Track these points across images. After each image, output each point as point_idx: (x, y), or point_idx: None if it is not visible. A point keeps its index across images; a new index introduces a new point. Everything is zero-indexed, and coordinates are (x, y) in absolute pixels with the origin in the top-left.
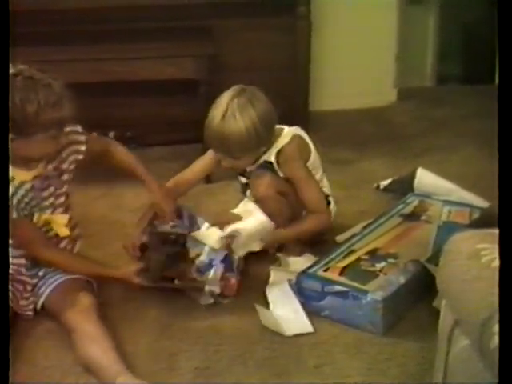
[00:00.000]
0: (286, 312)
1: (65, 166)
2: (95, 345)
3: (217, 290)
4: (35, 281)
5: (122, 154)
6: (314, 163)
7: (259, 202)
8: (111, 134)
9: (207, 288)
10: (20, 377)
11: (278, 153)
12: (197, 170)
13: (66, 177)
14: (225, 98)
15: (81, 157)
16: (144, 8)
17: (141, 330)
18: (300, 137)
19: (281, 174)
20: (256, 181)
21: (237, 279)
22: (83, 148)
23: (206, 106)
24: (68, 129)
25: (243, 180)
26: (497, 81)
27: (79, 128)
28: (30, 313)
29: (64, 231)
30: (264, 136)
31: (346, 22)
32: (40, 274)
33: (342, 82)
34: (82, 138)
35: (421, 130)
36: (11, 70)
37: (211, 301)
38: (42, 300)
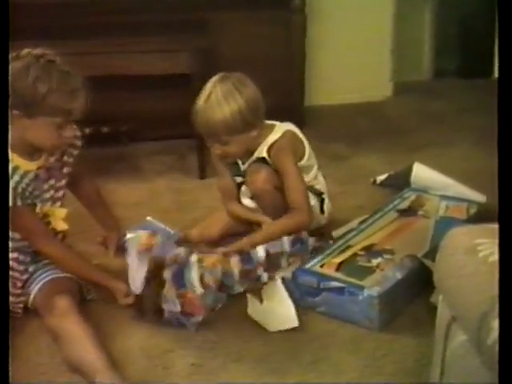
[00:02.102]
0: (274, 307)
1: (65, 158)
2: (75, 346)
3: (176, 308)
4: (25, 277)
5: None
6: (308, 160)
7: (256, 196)
8: (105, 129)
9: (165, 307)
10: (13, 373)
11: (270, 147)
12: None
13: (65, 170)
14: (208, 84)
15: (76, 152)
16: (137, 1)
17: (135, 327)
18: (293, 133)
19: (274, 168)
20: (253, 175)
21: (197, 293)
22: (79, 143)
23: None
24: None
25: (238, 180)
26: (493, 74)
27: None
28: (19, 311)
29: (61, 225)
30: (250, 120)
31: (342, 15)
32: (30, 269)
33: (338, 77)
34: (78, 133)
35: (417, 124)
36: (35, 51)
37: (192, 323)
38: (31, 298)
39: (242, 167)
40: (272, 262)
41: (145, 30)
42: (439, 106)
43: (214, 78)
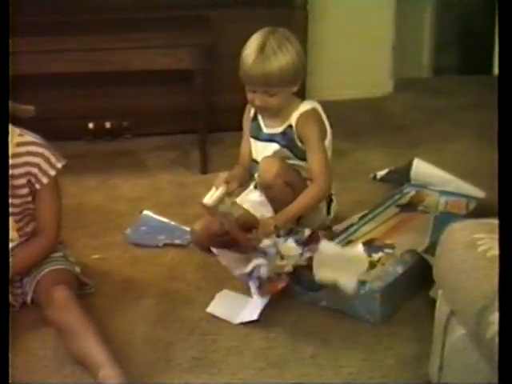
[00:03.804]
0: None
1: (15, 182)
2: (76, 339)
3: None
4: (17, 277)
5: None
6: (327, 149)
7: (265, 188)
8: (107, 124)
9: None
10: (17, 366)
11: (299, 117)
12: (245, 156)
13: (19, 192)
14: (259, 36)
15: (38, 186)
16: None
17: (137, 320)
18: (319, 112)
19: (297, 142)
20: (265, 166)
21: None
22: (45, 181)
23: (202, 96)
24: (41, 150)
25: (258, 145)
26: (493, 71)
27: (59, 163)
28: (15, 304)
29: (12, 234)
30: (299, 72)
31: (343, 12)
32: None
33: (339, 73)
34: (53, 172)
35: (417, 120)
36: None
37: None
38: (30, 295)
39: (265, 130)
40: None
41: (147, 26)
42: (439, 102)
43: (263, 31)
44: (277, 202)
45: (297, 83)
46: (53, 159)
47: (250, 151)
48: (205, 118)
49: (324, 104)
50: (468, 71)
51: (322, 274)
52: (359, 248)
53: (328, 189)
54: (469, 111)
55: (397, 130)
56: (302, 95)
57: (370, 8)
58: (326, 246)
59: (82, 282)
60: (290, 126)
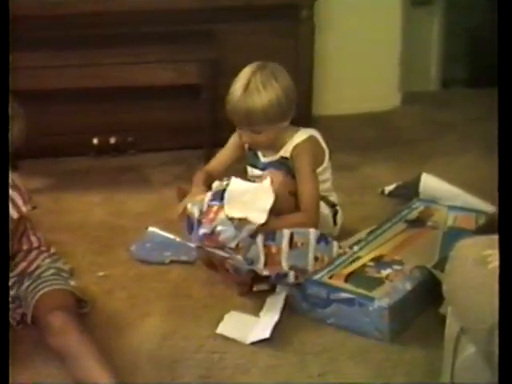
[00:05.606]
0: (261, 319)
1: None
2: (78, 364)
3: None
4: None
5: None
6: (326, 170)
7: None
8: (112, 140)
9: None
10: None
11: (294, 148)
12: (223, 159)
13: None
14: (246, 73)
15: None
16: (145, 12)
17: (143, 338)
18: (316, 139)
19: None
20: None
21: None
22: (14, 216)
23: (208, 111)
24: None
25: (255, 173)
26: None
27: (24, 207)
28: (13, 323)
29: None
30: (286, 110)
31: (350, 25)
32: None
33: (346, 86)
34: (22, 210)
35: (425, 134)
36: None
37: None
38: (29, 318)
39: (262, 159)
40: (298, 255)
41: (152, 41)
42: (448, 116)
43: (251, 67)
44: (281, 212)
45: (286, 118)
46: (19, 202)
47: (226, 163)
48: (210, 133)
49: (331, 118)
50: (476, 84)
51: (231, 210)
52: (265, 183)
53: (317, 222)
54: (477, 124)
55: (405, 144)
56: (308, 110)
57: (377, 21)
58: (235, 183)
59: (78, 298)
60: (286, 158)
